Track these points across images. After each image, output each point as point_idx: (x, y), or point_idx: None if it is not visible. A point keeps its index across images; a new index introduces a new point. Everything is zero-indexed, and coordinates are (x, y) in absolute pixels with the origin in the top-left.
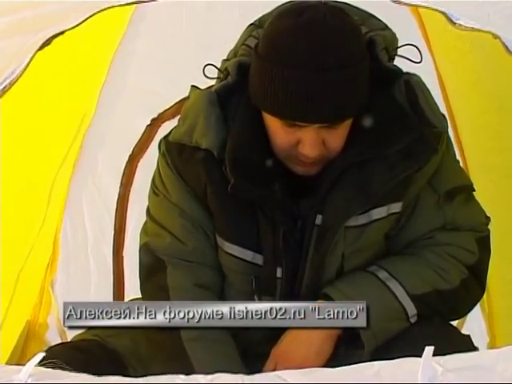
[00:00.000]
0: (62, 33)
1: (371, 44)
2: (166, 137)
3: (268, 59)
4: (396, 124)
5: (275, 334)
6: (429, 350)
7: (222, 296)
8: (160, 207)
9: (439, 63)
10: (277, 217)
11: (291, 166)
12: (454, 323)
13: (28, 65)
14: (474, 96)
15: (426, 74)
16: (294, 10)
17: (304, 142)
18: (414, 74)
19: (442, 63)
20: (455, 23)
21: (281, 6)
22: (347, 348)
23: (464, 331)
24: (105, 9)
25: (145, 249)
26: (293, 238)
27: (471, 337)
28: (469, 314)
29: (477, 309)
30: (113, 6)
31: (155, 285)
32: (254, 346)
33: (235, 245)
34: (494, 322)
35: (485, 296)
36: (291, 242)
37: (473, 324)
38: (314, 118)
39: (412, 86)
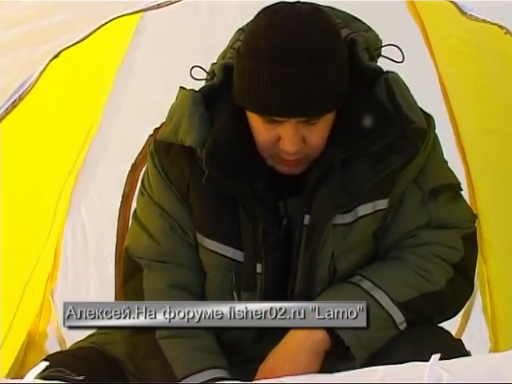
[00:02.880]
0: (70, 46)
1: (352, 44)
2: (155, 138)
3: (245, 56)
4: (378, 122)
5: (273, 335)
6: (435, 357)
7: (202, 294)
8: (144, 207)
9: (442, 69)
10: (256, 212)
11: (276, 165)
12: (456, 328)
13: (38, 79)
14: (479, 100)
15: (428, 80)
16: (271, 10)
17: (283, 138)
18: (392, 72)
19: (445, 69)
20: (466, 13)
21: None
22: (338, 361)
23: (465, 335)
24: (112, 19)
25: (125, 253)
26: (274, 234)
27: (472, 342)
28: (470, 319)
29: (478, 313)
30: (120, 16)
31: (132, 288)
32: (249, 348)
33: (216, 241)
34: (497, 326)
35: (488, 301)
36: (272, 239)
37: (474, 328)
38: (288, 111)
39: (390, 83)
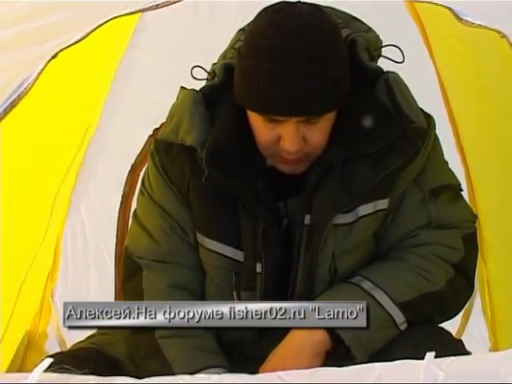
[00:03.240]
0: (69, 46)
1: (353, 45)
2: (156, 137)
3: (246, 56)
4: (378, 123)
5: (273, 334)
6: (430, 355)
7: (202, 294)
8: (144, 207)
9: (441, 69)
10: (256, 212)
11: (277, 164)
12: (456, 328)
13: (36, 79)
14: (478, 100)
15: (428, 80)
16: (272, 9)
17: (284, 137)
18: (393, 72)
19: (444, 69)
20: (462, 19)
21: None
22: (339, 361)
23: (465, 335)
24: (110, 19)
25: (125, 253)
26: (274, 234)
27: (472, 342)
28: (469, 319)
29: (478, 314)
30: (118, 16)
31: (132, 288)
32: (249, 348)
33: (216, 241)
34: (496, 327)
35: (487, 301)
36: (271, 238)
37: (473, 329)
38: (289, 110)
39: (390, 83)
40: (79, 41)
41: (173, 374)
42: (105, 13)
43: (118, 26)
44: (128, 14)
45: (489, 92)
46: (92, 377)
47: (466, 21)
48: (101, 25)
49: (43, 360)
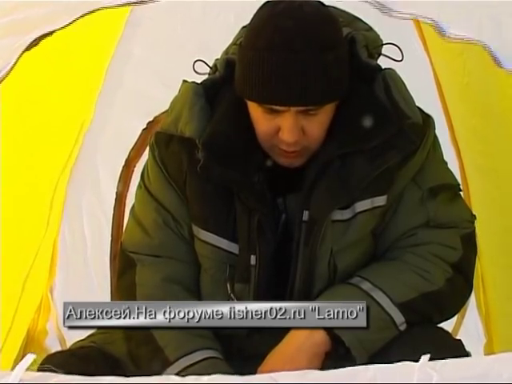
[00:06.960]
0: (50, 33)
1: (352, 42)
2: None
3: (246, 46)
4: (376, 119)
5: (268, 331)
6: (425, 358)
7: (196, 288)
8: (140, 200)
9: (435, 64)
10: (252, 204)
11: (275, 157)
12: (452, 325)
13: (14, 65)
14: (465, 98)
15: (423, 74)
16: (273, 2)
17: (283, 128)
18: (390, 68)
19: (437, 64)
20: (444, 34)
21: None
22: (338, 362)
23: (461, 333)
24: (94, 10)
25: (120, 248)
26: (269, 227)
27: (469, 338)
28: (466, 316)
29: (474, 311)
30: (103, 8)
31: (125, 283)
32: (246, 344)
33: (211, 233)
34: (490, 323)
35: (482, 298)
36: (267, 231)
37: (470, 326)
38: (288, 100)
39: (386, 79)
40: (62, 28)
41: (166, 358)
42: (92, 6)
43: (110, 19)
44: (115, 7)
45: (474, 90)
46: (75, 376)
47: (448, 36)
48: (85, 14)
49: (25, 357)
